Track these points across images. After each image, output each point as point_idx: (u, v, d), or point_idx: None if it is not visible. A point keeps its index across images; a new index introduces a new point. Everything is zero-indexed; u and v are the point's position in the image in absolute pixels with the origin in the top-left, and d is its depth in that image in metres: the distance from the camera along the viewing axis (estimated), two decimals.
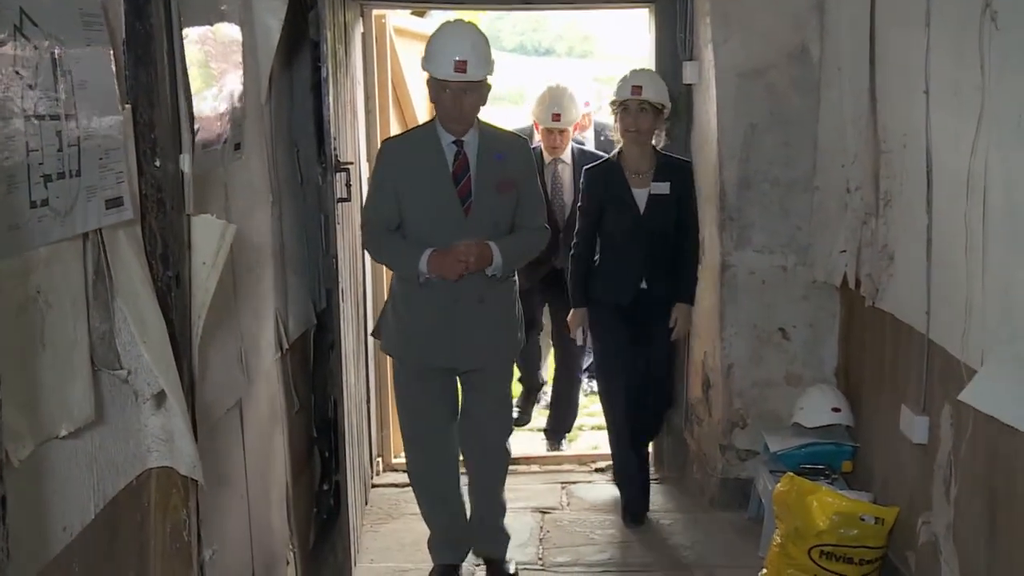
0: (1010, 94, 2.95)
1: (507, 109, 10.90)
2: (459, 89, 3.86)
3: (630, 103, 4.66)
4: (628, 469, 5.01)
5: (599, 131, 6.72)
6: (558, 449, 6.12)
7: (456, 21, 4.02)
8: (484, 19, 9.14)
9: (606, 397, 5.05)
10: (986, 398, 2.73)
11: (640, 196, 4.75)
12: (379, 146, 4.32)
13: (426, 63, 3.94)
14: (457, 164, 3.97)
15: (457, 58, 3.80)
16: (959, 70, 3.27)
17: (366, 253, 4.62)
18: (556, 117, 5.66)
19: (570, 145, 5.78)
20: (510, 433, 4.46)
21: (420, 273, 3.96)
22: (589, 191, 4.88)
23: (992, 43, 3.04)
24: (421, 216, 3.98)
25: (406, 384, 4.25)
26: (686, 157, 5.08)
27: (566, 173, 5.73)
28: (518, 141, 4.20)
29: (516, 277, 4.25)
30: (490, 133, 4.08)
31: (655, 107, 4.67)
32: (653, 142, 4.80)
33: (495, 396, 4.32)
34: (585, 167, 5.01)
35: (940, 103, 3.50)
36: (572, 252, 4.97)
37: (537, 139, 5.85)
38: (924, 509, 3.70)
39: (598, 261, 4.89)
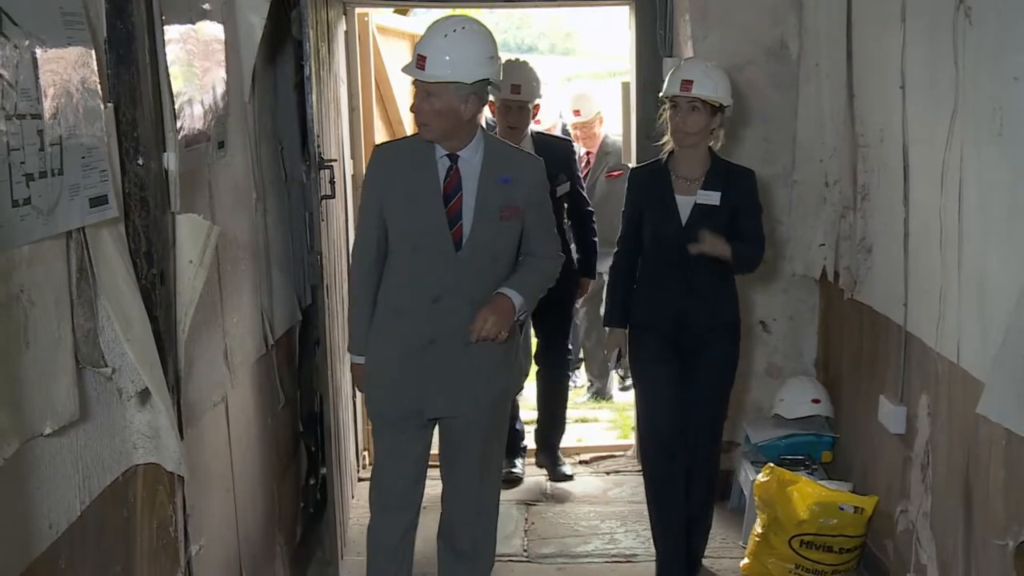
0: (984, 89, 2.95)
1: None
2: (420, 90, 3.20)
3: (680, 101, 3.85)
4: (668, 526, 4.11)
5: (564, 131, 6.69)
6: (561, 475, 5.38)
7: (449, 16, 3.36)
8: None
9: (642, 444, 4.33)
10: (995, 409, 2.73)
11: (684, 204, 3.94)
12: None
13: None
14: (448, 182, 3.26)
15: (419, 53, 3.18)
16: (934, 65, 3.28)
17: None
18: (516, 89, 4.93)
19: (530, 130, 5.14)
20: (494, 526, 3.63)
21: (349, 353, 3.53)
22: (630, 194, 4.13)
23: (966, 39, 3.05)
24: (404, 239, 3.30)
25: (378, 429, 3.55)
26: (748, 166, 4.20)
27: None
28: (530, 162, 3.43)
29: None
30: (498, 151, 3.35)
31: (711, 105, 3.84)
32: (710, 144, 3.98)
33: (479, 458, 3.47)
34: (632, 168, 4.36)
35: (916, 98, 3.50)
36: (612, 263, 4.25)
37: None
38: (902, 498, 3.71)
39: (639, 276, 4.13)
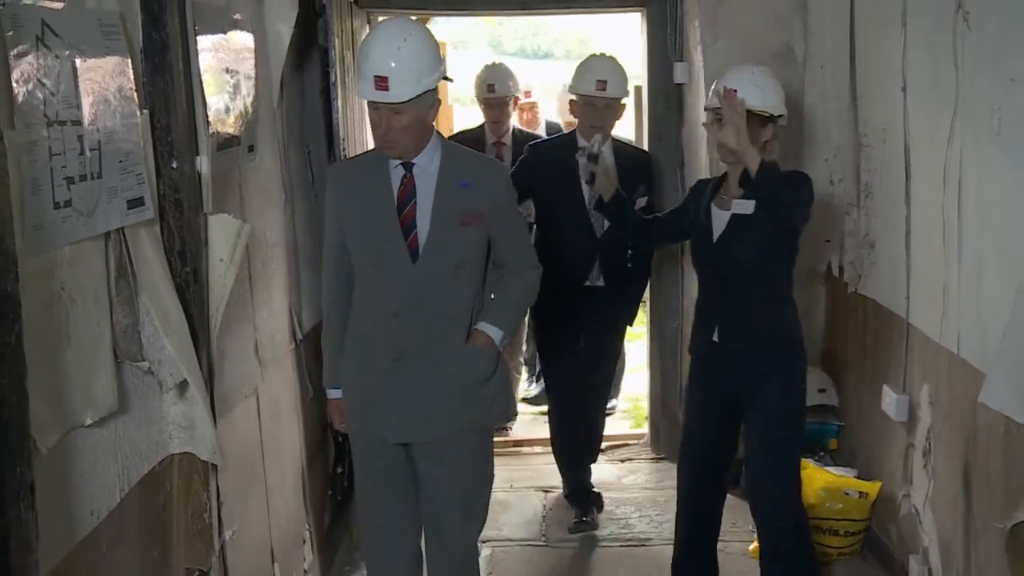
0: (982, 90, 2.94)
1: None
2: (383, 111, 2.82)
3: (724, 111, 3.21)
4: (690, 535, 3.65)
5: (550, 131, 6.65)
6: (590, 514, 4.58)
7: (392, 20, 3.01)
8: (487, 25, 9.09)
9: (678, 475, 3.69)
10: (996, 399, 2.72)
11: (719, 218, 3.36)
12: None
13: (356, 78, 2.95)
14: (402, 190, 2.92)
15: (375, 74, 2.77)
16: (934, 68, 3.27)
17: None
18: (491, 88, 5.35)
19: (511, 128, 5.49)
20: (472, 548, 3.22)
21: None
22: (685, 204, 3.65)
23: (965, 42, 3.03)
24: (362, 255, 2.97)
25: (356, 456, 3.18)
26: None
27: (507, 157, 5.30)
28: (492, 167, 3.15)
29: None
30: (456, 155, 3.01)
31: (759, 116, 3.24)
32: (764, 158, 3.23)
33: (457, 496, 3.05)
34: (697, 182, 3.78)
35: (917, 99, 3.49)
36: None
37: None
38: (905, 483, 3.70)
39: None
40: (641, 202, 4.26)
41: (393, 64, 2.75)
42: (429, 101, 2.85)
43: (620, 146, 4.56)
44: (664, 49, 4.98)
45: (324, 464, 4.18)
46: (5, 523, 1.47)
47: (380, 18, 5.17)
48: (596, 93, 4.25)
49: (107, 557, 2.04)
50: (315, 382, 3.94)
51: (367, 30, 4.88)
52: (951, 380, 3.26)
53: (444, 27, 6.91)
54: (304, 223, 3.87)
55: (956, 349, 3.18)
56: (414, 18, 5.69)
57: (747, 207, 3.26)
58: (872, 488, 3.97)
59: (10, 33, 1.71)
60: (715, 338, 3.39)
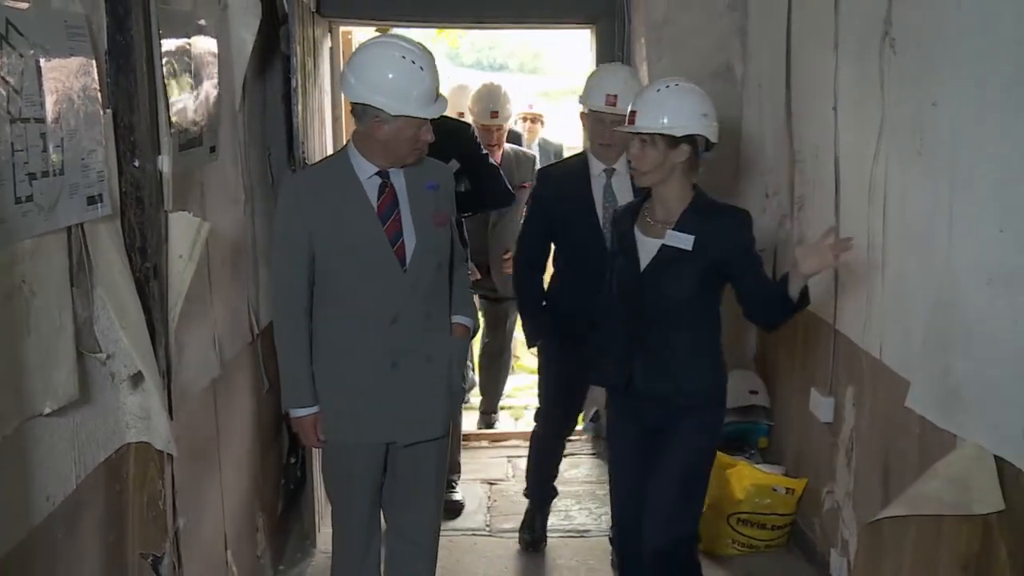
0: (905, 111, 2.99)
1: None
2: (424, 127, 2.86)
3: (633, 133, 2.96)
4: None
5: (543, 147, 6.63)
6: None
7: (399, 43, 2.87)
8: (445, 39, 9.04)
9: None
10: (920, 404, 2.77)
11: (646, 246, 3.00)
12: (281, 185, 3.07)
13: (388, 93, 2.84)
14: (383, 200, 2.88)
15: (437, 92, 2.85)
16: (863, 89, 3.32)
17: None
18: (494, 114, 5.02)
19: (504, 145, 5.21)
20: (438, 526, 3.25)
21: (288, 409, 3.01)
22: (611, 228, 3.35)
23: (891, 66, 3.09)
24: (345, 266, 2.87)
25: (332, 461, 3.11)
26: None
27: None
28: (442, 168, 3.06)
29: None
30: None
31: (664, 136, 2.90)
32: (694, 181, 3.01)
33: (436, 482, 3.14)
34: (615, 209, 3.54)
35: (847, 118, 3.54)
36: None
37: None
38: (829, 480, 3.75)
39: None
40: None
41: (434, 80, 2.83)
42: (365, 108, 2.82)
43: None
44: None
45: (278, 455, 4.15)
46: None
47: (342, 28, 5.16)
48: (605, 109, 3.73)
49: (62, 542, 2.01)
50: (271, 376, 3.91)
51: (328, 39, 4.85)
52: (874, 383, 3.31)
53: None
54: (263, 222, 3.83)
55: (879, 354, 3.24)
56: (373, 29, 5.67)
57: (685, 241, 2.92)
58: (798, 485, 4.02)
59: None
60: (632, 375, 3.04)
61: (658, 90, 2.94)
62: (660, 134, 2.88)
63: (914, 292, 2.95)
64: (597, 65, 5.02)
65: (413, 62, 2.76)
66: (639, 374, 3.04)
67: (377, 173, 2.90)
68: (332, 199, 2.87)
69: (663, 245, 2.95)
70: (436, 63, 2.84)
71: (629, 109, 2.95)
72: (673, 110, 2.89)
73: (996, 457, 2.42)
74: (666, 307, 2.97)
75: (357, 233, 2.86)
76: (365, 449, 3.01)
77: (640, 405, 3.08)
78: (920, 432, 2.88)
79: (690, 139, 2.89)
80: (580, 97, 3.86)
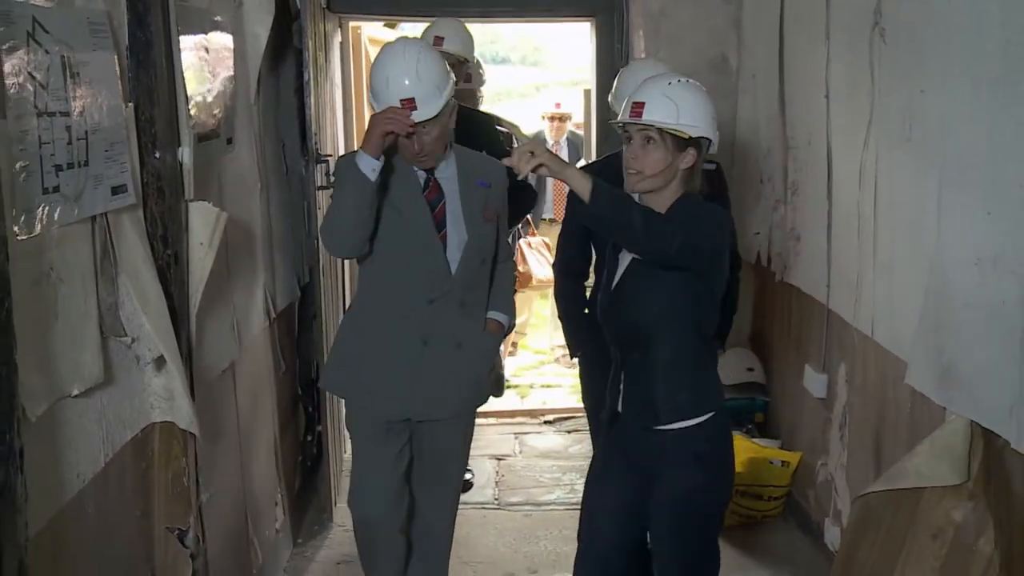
0: (895, 100, 2.98)
1: None
2: (418, 127, 2.72)
3: (630, 129, 2.48)
4: None
5: (572, 141, 6.51)
6: None
7: (399, 43, 2.80)
8: None
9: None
10: (918, 381, 2.76)
11: (622, 261, 2.58)
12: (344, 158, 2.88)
13: (373, 97, 2.78)
14: (428, 192, 2.86)
15: (403, 97, 2.68)
16: (853, 79, 3.31)
17: (329, 248, 2.97)
18: (438, 41, 3.95)
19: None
20: (455, 509, 3.23)
21: (366, 165, 2.66)
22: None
23: (881, 56, 3.08)
24: (393, 244, 2.83)
25: (363, 437, 3.05)
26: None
27: None
28: (498, 167, 2.79)
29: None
30: (469, 157, 2.96)
31: (673, 136, 2.42)
32: (678, 186, 2.49)
33: (456, 466, 3.18)
34: None
35: (838, 107, 3.53)
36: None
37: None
38: (822, 453, 3.76)
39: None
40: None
41: (416, 85, 2.68)
42: (450, 109, 2.79)
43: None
44: (612, 56, 4.99)
45: (295, 432, 4.16)
46: None
47: (351, 23, 5.14)
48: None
49: (92, 517, 2.02)
50: (287, 357, 3.93)
51: (338, 34, 4.84)
52: (865, 360, 3.31)
53: (409, 31, 6.85)
54: (278, 211, 3.84)
55: (870, 332, 3.24)
56: (381, 23, 5.66)
57: None
58: (793, 458, 4.03)
59: (2, 29, 1.68)
60: (619, 408, 2.63)
61: (669, 83, 2.49)
62: (671, 132, 2.41)
63: (904, 273, 2.95)
64: (596, 57, 5.01)
65: (382, 70, 2.72)
66: (622, 401, 2.61)
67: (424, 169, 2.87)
68: (387, 179, 2.78)
69: (633, 259, 2.52)
70: (422, 63, 2.69)
71: (632, 100, 2.47)
72: (688, 107, 2.45)
73: (986, 431, 2.42)
74: (642, 323, 2.50)
75: (408, 216, 2.83)
76: (386, 421, 2.97)
77: (627, 440, 2.61)
78: (911, 407, 2.88)
79: (697, 144, 2.45)
80: (610, 97, 3.53)
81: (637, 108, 2.46)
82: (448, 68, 2.81)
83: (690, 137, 2.42)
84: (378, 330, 2.92)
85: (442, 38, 3.90)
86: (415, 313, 2.88)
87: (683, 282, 2.43)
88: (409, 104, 2.67)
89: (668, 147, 2.43)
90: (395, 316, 2.89)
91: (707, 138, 2.47)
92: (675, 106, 2.43)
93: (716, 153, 2.67)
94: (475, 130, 3.77)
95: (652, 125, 2.42)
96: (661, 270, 2.42)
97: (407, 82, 2.68)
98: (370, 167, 2.65)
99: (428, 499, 3.16)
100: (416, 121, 2.68)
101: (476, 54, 4.34)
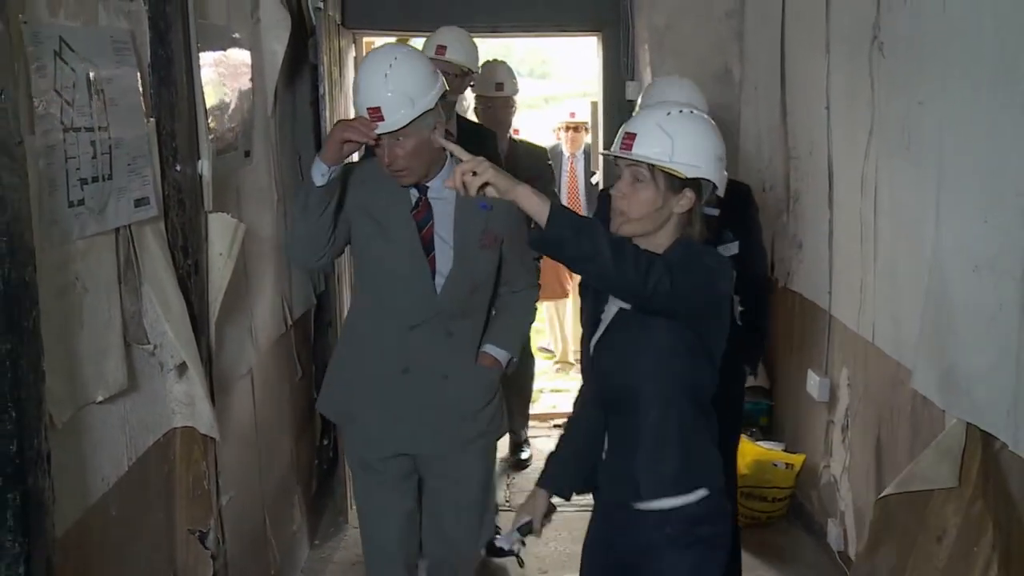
0: (894, 111, 2.98)
1: None
2: (386, 140, 2.46)
3: (620, 162, 2.07)
4: None
5: (589, 154, 6.13)
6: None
7: (379, 48, 2.60)
8: None
9: None
10: (923, 386, 2.74)
11: (608, 311, 2.16)
12: None
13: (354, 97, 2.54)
14: (416, 212, 2.58)
15: (368, 106, 2.43)
16: (853, 90, 3.31)
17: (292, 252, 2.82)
18: (499, 87, 4.29)
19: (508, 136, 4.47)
20: (476, 538, 2.85)
21: (317, 170, 2.42)
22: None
23: (880, 69, 3.08)
24: (375, 264, 2.61)
25: (359, 476, 2.80)
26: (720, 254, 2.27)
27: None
28: None
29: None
30: None
31: (669, 175, 2.00)
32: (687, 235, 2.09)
33: (460, 503, 2.74)
34: None
35: (838, 117, 3.53)
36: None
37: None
38: (825, 455, 3.75)
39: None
40: (731, 249, 2.91)
41: (383, 92, 2.41)
42: (430, 122, 2.47)
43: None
44: (617, 69, 5.00)
45: (311, 437, 4.17)
46: (24, 489, 1.47)
47: (365, 38, 5.16)
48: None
49: (116, 519, 2.03)
50: (303, 363, 3.94)
51: (352, 49, 4.86)
52: (866, 365, 3.31)
53: (420, 46, 6.84)
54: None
55: (871, 338, 3.23)
56: (394, 39, 5.66)
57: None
58: (797, 460, 4.02)
59: (31, 48, 1.70)
60: (597, 482, 2.21)
61: (668, 113, 2.06)
62: (664, 170, 2.01)
63: (905, 279, 2.94)
64: (603, 70, 5.02)
65: (357, 76, 2.52)
66: (601, 473, 2.19)
67: (415, 186, 2.57)
68: (377, 196, 2.57)
69: (621, 308, 2.10)
70: (394, 69, 2.43)
71: (624, 130, 2.08)
72: (686, 143, 2.02)
73: (984, 433, 2.41)
74: (627, 383, 2.09)
75: (394, 236, 2.56)
76: (380, 458, 2.69)
77: (606, 522, 2.21)
78: (911, 410, 2.88)
79: (696, 185, 2.03)
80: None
81: (628, 140, 2.04)
82: (433, 78, 2.50)
83: (687, 178, 2.01)
84: (361, 354, 2.67)
85: (444, 47, 3.70)
86: (396, 339, 2.60)
87: (676, 338, 2.01)
88: (374, 113, 2.42)
89: (660, 187, 2.02)
90: (377, 340, 2.63)
91: (708, 180, 2.04)
92: (670, 140, 2.01)
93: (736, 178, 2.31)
94: (482, 145, 3.39)
95: (642, 161, 2.01)
96: (653, 323, 2.01)
97: (374, 90, 2.43)
98: (319, 172, 2.41)
99: (441, 532, 2.79)
100: (380, 132, 2.42)
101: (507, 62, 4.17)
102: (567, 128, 6.20)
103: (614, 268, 1.86)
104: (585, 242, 1.86)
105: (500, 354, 2.72)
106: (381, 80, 2.42)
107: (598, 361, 2.16)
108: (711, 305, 2.02)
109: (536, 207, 1.87)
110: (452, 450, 2.68)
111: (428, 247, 2.58)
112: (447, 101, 2.50)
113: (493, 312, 2.76)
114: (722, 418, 2.19)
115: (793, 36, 4.08)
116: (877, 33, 3.07)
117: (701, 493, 2.07)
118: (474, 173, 1.89)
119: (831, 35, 3.54)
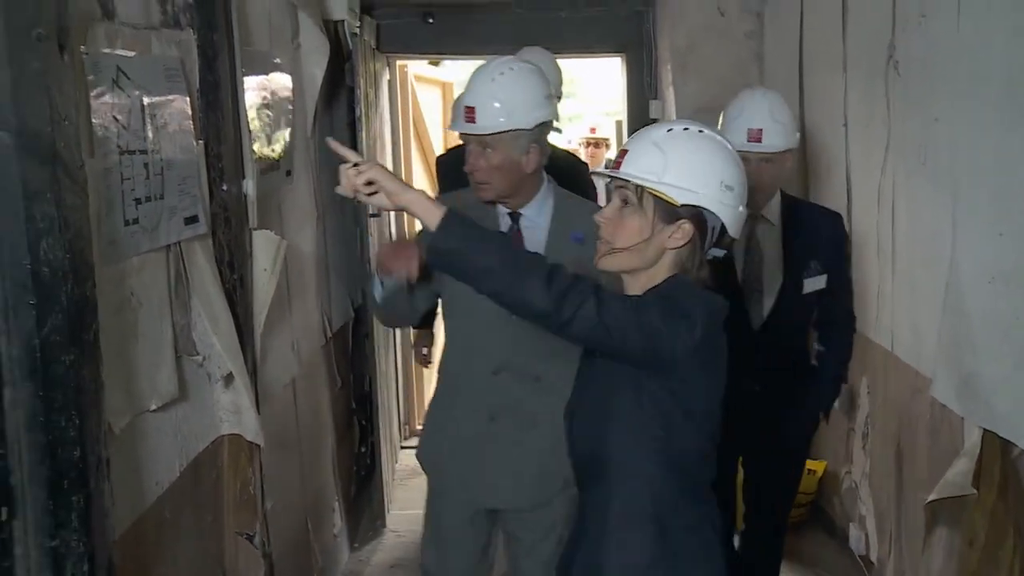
0: (910, 127, 2.97)
1: None
2: (474, 146, 2.27)
3: (611, 184, 1.87)
4: None
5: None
6: None
7: (502, 58, 2.36)
8: None
9: None
10: (942, 394, 2.72)
11: (585, 365, 1.89)
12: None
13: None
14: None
15: (466, 104, 2.27)
16: (870, 108, 3.30)
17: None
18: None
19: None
20: None
21: (375, 287, 2.29)
22: None
23: (896, 87, 3.07)
24: (459, 300, 2.25)
25: (432, 515, 2.54)
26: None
27: None
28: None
29: None
30: (569, 206, 2.36)
31: (658, 199, 1.69)
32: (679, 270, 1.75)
33: (544, 562, 2.38)
34: None
35: (856, 134, 3.52)
36: None
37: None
38: (847, 461, 3.72)
39: None
40: (817, 283, 2.79)
41: (484, 95, 2.24)
42: (525, 143, 2.24)
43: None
44: (641, 88, 5.03)
45: (351, 444, 4.20)
46: (86, 493, 1.50)
47: (398, 62, 5.21)
48: (747, 147, 2.77)
49: (169, 522, 2.06)
50: (342, 374, 3.97)
51: (387, 72, 4.91)
52: (886, 374, 3.29)
53: (452, 68, 6.90)
54: (333, 237, 3.89)
55: (890, 347, 3.21)
56: (426, 61, 5.70)
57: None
58: (819, 466, 3.99)
59: (91, 77, 1.74)
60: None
61: (669, 129, 1.70)
62: (654, 194, 1.64)
63: (922, 291, 2.93)
64: (627, 89, 5.02)
65: (475, 77, 2.32)
66: (569, 560, 1.82)
67: (508, 213, 2.34)
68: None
69: (590, 360, 1.78)
70: (505, 78, 2.25)
71: (620, 148, 1.79)
72: (682, 163, 1.65)
73: (1003, 440, 2.39)
74: (595, 450, 1.73)
75: None
76: (459, 512, 2.45)
77: None
78: (930, 418, 2.86)
79: (698, 216, 1.65)
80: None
81: (620, 158, 1.72)
82: (543, 103, 2.28)
83: (681, 205, 1.63)
84: (448, 398, 2.45)
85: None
86: (480, 384, 2.35)
87: (646, 398, 1.64)
88: (468, 112, 2.25)
89: (649, 215, 1.64)
90: (462, 385, 2.40)
91: (712, 212, 1.64)
92: (663, 159, 1.64)
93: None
94: (576, 177, 3.16)
95: (628, 180, 1.65)
96: (619, 377, 1.65)
97: (476, 91, 2.27)
98: (375, 289, 2.28)
99: None
100: (467, 132, 2.26)
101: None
102: (588, 144, 5.95)
103: (518, 286, 1.57)
104: (479, 256, 1.59)
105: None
106: (488, 84, 2.25)
107: (569, 419, 1.82)
108: (671, 350, 1.58)
109: (426, 214, 1.64)
110: (538, 502, 2.39)
111: None
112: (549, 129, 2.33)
113: None
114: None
115: (811, 56, 4.07)
116: (893, 52, 3.07)
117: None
118: (360, 171, 1.72)
119: (848, 55, 3.54)
